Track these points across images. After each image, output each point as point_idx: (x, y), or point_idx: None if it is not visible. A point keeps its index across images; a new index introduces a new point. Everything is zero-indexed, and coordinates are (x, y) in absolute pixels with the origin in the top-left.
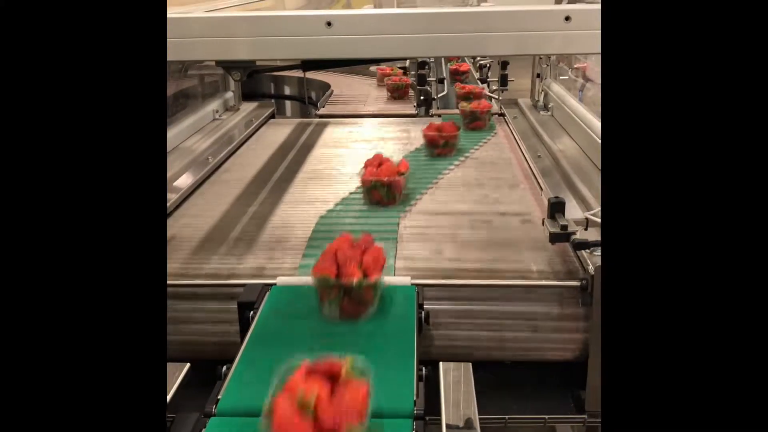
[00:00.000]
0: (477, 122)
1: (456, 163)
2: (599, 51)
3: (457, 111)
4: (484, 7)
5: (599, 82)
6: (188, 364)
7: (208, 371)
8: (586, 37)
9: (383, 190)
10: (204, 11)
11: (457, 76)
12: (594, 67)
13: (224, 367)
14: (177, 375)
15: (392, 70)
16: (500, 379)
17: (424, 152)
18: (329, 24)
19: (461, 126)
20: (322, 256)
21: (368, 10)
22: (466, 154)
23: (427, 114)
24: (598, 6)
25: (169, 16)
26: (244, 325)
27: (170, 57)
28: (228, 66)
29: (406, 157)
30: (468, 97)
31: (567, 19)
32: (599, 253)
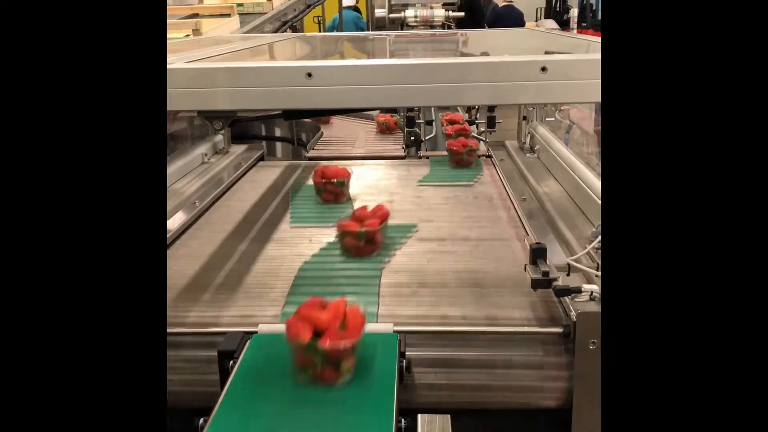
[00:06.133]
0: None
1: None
2: (574, 100)
3: (445, 153)
4: (461, 59)
5: (582, 125)
6: None
7: (186, 421)
8: (562, 87)
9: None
10: (185, 62)
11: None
12: (577, 111)
13: (201, 420)
14: None
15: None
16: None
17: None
18: (309, 75)
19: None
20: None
21: (348, 61)
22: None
23: (416, 155)
24: (575, 57)
25: None
26: (224, 374)
27: None
28: (209, 116)
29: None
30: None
31: (543, 69)
32: (581, 299)
